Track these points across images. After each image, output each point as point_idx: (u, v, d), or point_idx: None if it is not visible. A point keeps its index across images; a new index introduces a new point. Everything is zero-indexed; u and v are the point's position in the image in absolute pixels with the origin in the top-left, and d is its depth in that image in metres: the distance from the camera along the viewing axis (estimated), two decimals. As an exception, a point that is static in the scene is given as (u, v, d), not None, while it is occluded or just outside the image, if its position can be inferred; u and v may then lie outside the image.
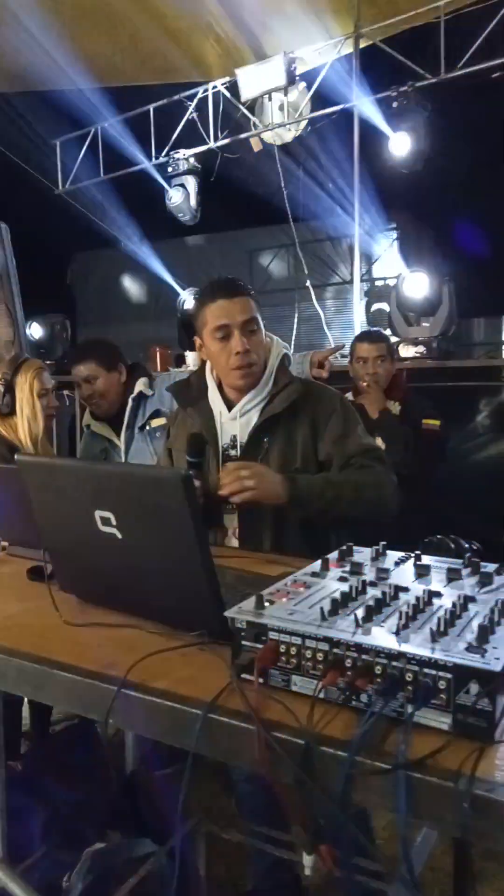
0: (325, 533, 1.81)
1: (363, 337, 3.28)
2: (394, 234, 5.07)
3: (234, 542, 1.86)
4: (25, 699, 2.53)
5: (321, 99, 5.23)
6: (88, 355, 2.69)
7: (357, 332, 3.98)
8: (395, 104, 4.59)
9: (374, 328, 3.41)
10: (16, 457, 1.32)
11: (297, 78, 5.13)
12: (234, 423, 1.88)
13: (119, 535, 1.16)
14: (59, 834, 1.99)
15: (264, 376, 1.88)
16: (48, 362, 5.47)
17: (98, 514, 1.17)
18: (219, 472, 1.85)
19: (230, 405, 1.91)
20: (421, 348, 4.10)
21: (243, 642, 0.98)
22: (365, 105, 4.92)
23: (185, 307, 4.96)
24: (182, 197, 5.94)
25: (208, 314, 1.83)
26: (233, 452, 1.87)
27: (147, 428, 2.67)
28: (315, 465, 1.81)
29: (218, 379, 1.95)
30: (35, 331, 5.33)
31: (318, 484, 1.69)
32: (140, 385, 2.69)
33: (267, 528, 1.80)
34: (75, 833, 1.98)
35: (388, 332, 3.92)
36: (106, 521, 1.17)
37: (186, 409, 2.00)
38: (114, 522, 1.16)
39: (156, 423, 2.67)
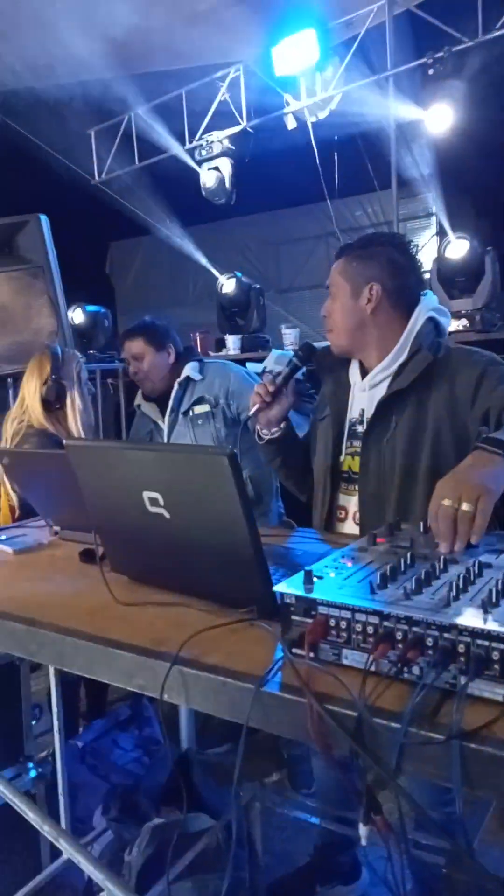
0: None
1: None
2: (433, 220, 4.96)
3: (354, 528, 1.72)
4: (82, 681, 2.60)
5: (356, 70, 5.12)
6: (139, 333, 2.73)
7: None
8: (430, 71, 4.46)
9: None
10: (64, 442, 1.35)
11: (331, 51, 5.03)
12: (364, 396, 1.74)
13: (167, 515, 1.18)
14: (119, 809, 2.05)
15: (399, 343, 1.67)
16: (90, 351, 5.57)
17: (146, 494, 1.19)
18: (340, 447, 1.75)
19: (366, 375, 1.76)
20: (464, 321, 4.01)
21: (293, 617, 0.98)
22: (400, 75, 4.80)
23: (224, 291, 4.94)
24: (216, 181, 5.90)
25: None
26: (359, 428, 1.73)
27: (190, 413, 2.68)
28: (452, 445, 1.57)
29: None
30: (77, 315, 5.40)
31: None
32: (188, 370, 2.69)
33: (390, 510, 1.61)
34: (134, 808, 2.03)
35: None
36: (154, 502, 1.18)
37: (324, 377, 1.88)
38: (162, 503, 1.17)
39: (199, 409, 2.68)
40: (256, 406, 1.76)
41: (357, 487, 1.70)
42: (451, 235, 4.12)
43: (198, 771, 2.04)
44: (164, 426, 2.74)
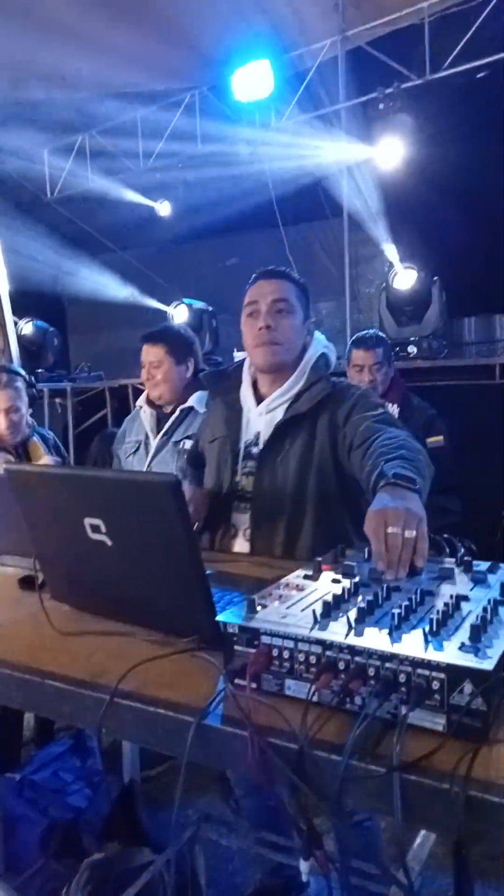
0: (340, 532, 1.68)
1: (359, 343, 3.17)
2: (385, 239, 5.09)
3: (244, 544, 1.78)
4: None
5: (308, 101, 5.24)
6: (161, 339, 2.59)
7: (349, 335, 3.98)
8: (381, 106, 4.61)
9: (370, 331, 3.35)
10: (4, 467, 1.32)
11: (285, 81, 5.15)
12: (260, 420, 1.82)
13: (109, 543, 1.15)
14: (58, 845, 1.98)
15: (296, 372, 1.81)
16: (39, 370, 5.48)
17: (88, 521, 1.16)
18: (236, 466, 1.81)
19: (260, 401, 1.85)
20: (412, 348, 4.10)
21: (236, 647, 0.97)
22: (352, 108, 4.94)
23: (175, 321, 4.93)
24: (171, 203, 5.95)
25: (246, 296, 1.82)
26: (254, 450, 1.81)
27: (181, 445, 2.51)
28: (332, 471, 1.72)
29: (253, 374, 1.90)
30: (27, 328, 5.33)
31: (420, 478, 1.37)
32: (194, 400, 2.54)
33: (281, 527, 1.72)
34: (74, 843, 1.96)
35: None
36: (96, 529, 1.16)
37: (215, 400, 1.97)
38: (103, 529, 1.15)
39: (190, 444, 2.50)
40: None
41: (249, 506, 1.77)
42: (397, 266, 4.23)
43: (141, 803, 1.98)
44: (153, 445, 2.60)
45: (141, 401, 2.71)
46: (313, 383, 1.78)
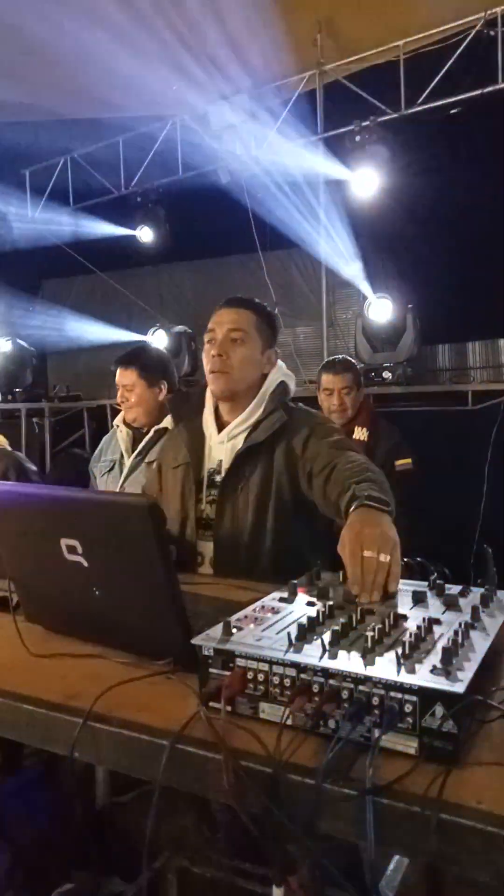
0: (299, 559, 1.68)
1: (328, 367, 3.24)
2: (360, 265, 5.20)
3: (209, 570, 1.82)
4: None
5: (287, 131, 5.35)
6: (133, 363, 2.61)
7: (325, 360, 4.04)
8: (357, 138, 4.73)
9: (341, 356, 3.42)
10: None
11: (263, 112, 5.26)
12: (222, 448, 1.85)
13: (85, 564, 1.15)
14: (26, 874, 1.93)
15: (255, 400, 1.84)
16: (17, 390, 5.46)
17: (64, 542, 1.16)
18: (198, 495, 1.82)
19: (221, 428, 1.87)
20: (386, 374, 4.16)
21: (211, 670, 0.97)
22: (329, 139, 5.06)
23: (152, 341, 4.96)
24: (151, 227, 6.01)
25: (209, 322, 1.85)
26: (217, 478, 1.83)
27: (154, 466, 2.53)
28: (290, 499, 1.76)
29: (215, 402, 1.91)
30: (5, 346, 5.31)
31: (391, 499, 1.41)
32: (168, 420, 2.53)
33: (242, 554, 1.76)
34: (42, 873, 1.92)
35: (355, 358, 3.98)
36: (72, 550, 1.16)
37: (178, 426, 1.98)
38: (80, 551, 1.15)
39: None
40: None
41: (213, 533, 1.79)
42: (371, 297, 4.32)
43: (112, 830, 1.95)
44: (126, 465, 2.61)
45: (118, 420, 2.73)
46: (270, 412, 1.81)
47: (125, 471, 2.60)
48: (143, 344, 2.78)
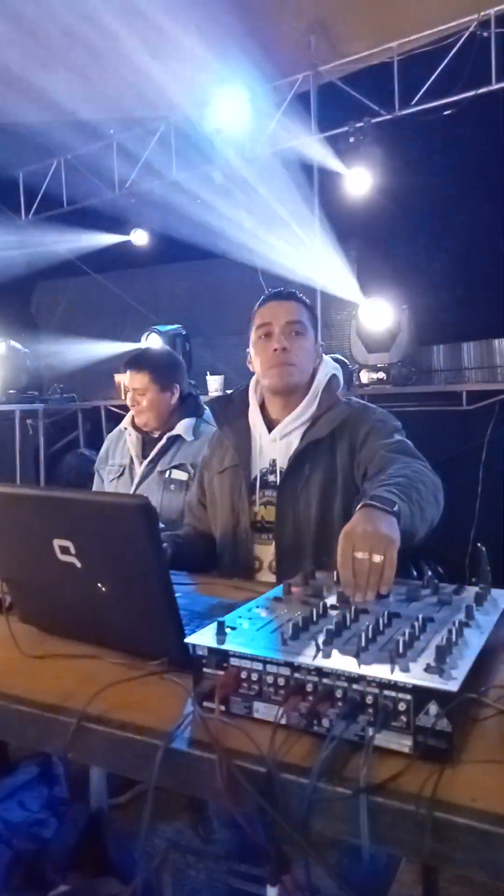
0: None
1: None
2: (354, 267, 5.21)
3: (270, 577, 1.73)
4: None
5: (281, 133, 5.36)
6: (145, 367, 2.51)
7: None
8: (351, 139, 4.74)
9: (330, 355, 3.43)
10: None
11: (259, 112, 5.27)
12: (274, 446, 1.77)
13: (78, 564, 1.15)
14: (22, 877, 1.92)
15: (308, 395, 1.78)
16: (10, 391, 5.45)
17: (57, 542, 1.16)
18: (251, 497, 1.75)
19: (271, 426, 1.81)
20: (381, 374, 4.17)
21: (205, 669, 0.97)
22: (322, 140, 5.07)
23: (145, 345, 4.94)
24: (146, 228, 6.01)
25: (256, 317, 1.80)
26: (271, 478, 1.76)
27: (167, 475, 2.42)
28: (356, 491, 1.67)
29: (261, 398, 1.86)
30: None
31: (405, 502, 1.35)
32: (181, 427, 2.45)
33: (308, 554, 1.65)
34: (39, 876, 1.91)
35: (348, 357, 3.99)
36: (65, 550, 1.15)
37: (223, 428, 1.88)
38: (73, 551, 1.15)
39: (176, 474, 2.41)
40: None
41: (272, 537, 1.72)
42: (365, 300, 4.32)
43: (108, 831, 1.94)
44: (137, 472, 2.51)
45: (126, 423, 2.64)
46: (329, 407, 1.75)
47: (136, 478, 2.51)
48: (154, 347, 2.69)
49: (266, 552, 1.75)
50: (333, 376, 1.83)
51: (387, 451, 1.62)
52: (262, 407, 1.85)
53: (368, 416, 1.74)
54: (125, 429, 2.63)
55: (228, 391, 2.02)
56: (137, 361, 2.55)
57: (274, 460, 1.77)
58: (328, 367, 1.85)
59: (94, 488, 2.71)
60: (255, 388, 1.88)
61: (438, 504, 1.50)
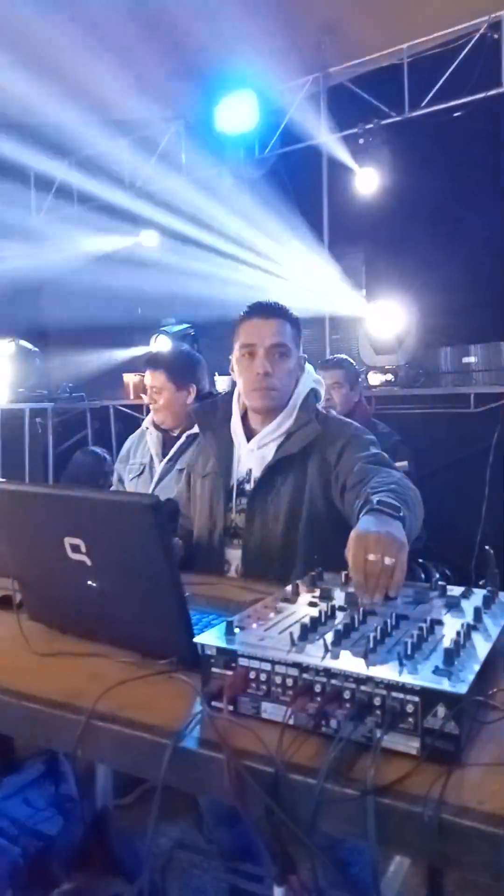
0: (331, 567, 1.57)
1: (318, 365, 3.26)
2: (363, 277, 5.20)
3: (235, 578, 1.78)
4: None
5: (290, 135, 5.37)
6: (161, 366, 2.57)
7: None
8: (361, 140, 4.74)
9: (336, 356, 3.43)
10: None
11: (269, 114, 5.27)
12: (251, 456, 1.82)
13: (89, 563, 1.16)
14: (27, 874, 1.93)
15: (286, 410, 1.81)
16: (20, 390, 5.47)
17: (68, 541, 1.16)
18: (230, 503, 1.80)
19: (250, 436, 1.84)
20: (388, 376, 4.17)
21: (213, 669, 0.97)
22: (332, 142, 5.07)
23: (154, 348, 4.95)
24: (156, 228, 6.03)
25: (240, 332, 1.80)
26: (247, 486, 1.81)
27: (185, 473, 2.47)
28: (325, 510, 1.72)
29: (243, 407, 1.89)
30: (9, 348, 5.32)
31: (405, 508, 1.37)
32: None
33: (273, 563, 1.72)
34: (44, 873, 1.92)
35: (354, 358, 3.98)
36: (76, 549, 1.16)
37: (206, 435, 1.94)
38: (83, 549, 1.15)
39: None
40: None
41: (242, 541, 1.77)
42: (373, 303, 4.32)
43: (113, 830, 1.95)
44: (157, 469, 2.56)
45: (147, 422, 2.70)
46: (304, 423, 1.77)
47: (156, 476, 2.55)
48: (173, 345, 2.74)
49: (235, 556, 1.80)
50: (313, 390, 1.86)
51: (365, 462, 1.66)
52: (244, 416, 1.89)
53: (343, 432, 1.78)
54: (147, 428, 2.68)
55: (213, 398, 2.05)
56: (155, 360, 2.61)
57: (250, 470, 1.82)
58: (308, 379, 1.86)
59: (114, 487, 2.75)
60: (237, 398, 1.91)
61: (422, 513, 1.54)
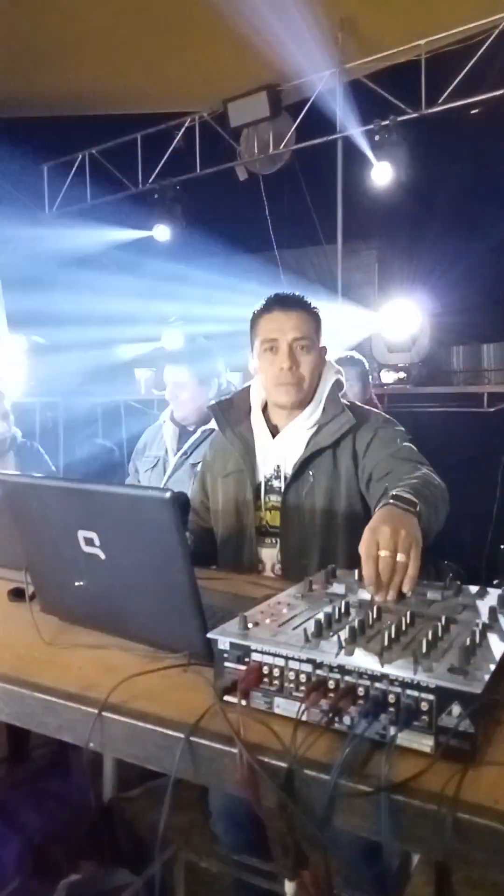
0: None
1: None
2: (375, 276, 5.19)
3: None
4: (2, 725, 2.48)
5: (306, 130, 5.35)
6: (185, 360, 2.58)
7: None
8: (377, 137, 4.71)
9: (348, 353, 3.42)
10: (-3, 476, 1.32)
11: (283, 110, 5.25)
12: (278, 452, 1.77)
13: (102, 556, 1.16)
14: (33, 865, 1.94)
15: (313, 402, 1.76)
16: (31, 384, 5.49)
17: (82, 534, 1.17)
18: (256, 502, 1.77)
19: (274, 431, 1.80)
20: (401, 374, 4.16)
21: (226, 664, 0.97)
22: (347, 138, 5.04)
23: (167, 343, 4.96)
24: (168, 224, 6.03)
25: (260, 326, 1.76)
26: (276, 483, 1.76)
27: (199, 467, 2.46)
28: (359, 498, 1.69)
29: (263, 402, 1.85)
30: (18, 342, 5.36)
31: (423, 504, 1.34)
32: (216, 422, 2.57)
33: (313, 559, 1.67)
34: (51, 863, 1.93)
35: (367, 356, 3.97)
36: (89, 542, 1.16)
37: (226, 433, 1.87)
38: (97, 543, 1.15)
39: None
40: None
41: (277, 541, 1.73)
42: (387, 301, 4.30)
43: (120, 822, 1.96)
44: (171, 463, 2.57)
45: (165, 415, 2.70)
46: (335, 415, 1.74)
47: (169, 469, 2.56)
48: (195, 339, 2.77)
49: (270, 555, 1.77)
50: (337, 381, 1.82)
51: (392, 456, 1.63)
52: (264, 410, 1.85)
53: (372, 423, 1.74)
54: (164, 422, 2.68)
55: (230, 395, 1.99)
56: (177, 356, 2.65)
57: (278, 466, 1.77)
58: (331, 370, 1.83)
59: (129, 480, 2.76)
60: (255, 392, 1.87)
61: (446, 508, 1.50)
